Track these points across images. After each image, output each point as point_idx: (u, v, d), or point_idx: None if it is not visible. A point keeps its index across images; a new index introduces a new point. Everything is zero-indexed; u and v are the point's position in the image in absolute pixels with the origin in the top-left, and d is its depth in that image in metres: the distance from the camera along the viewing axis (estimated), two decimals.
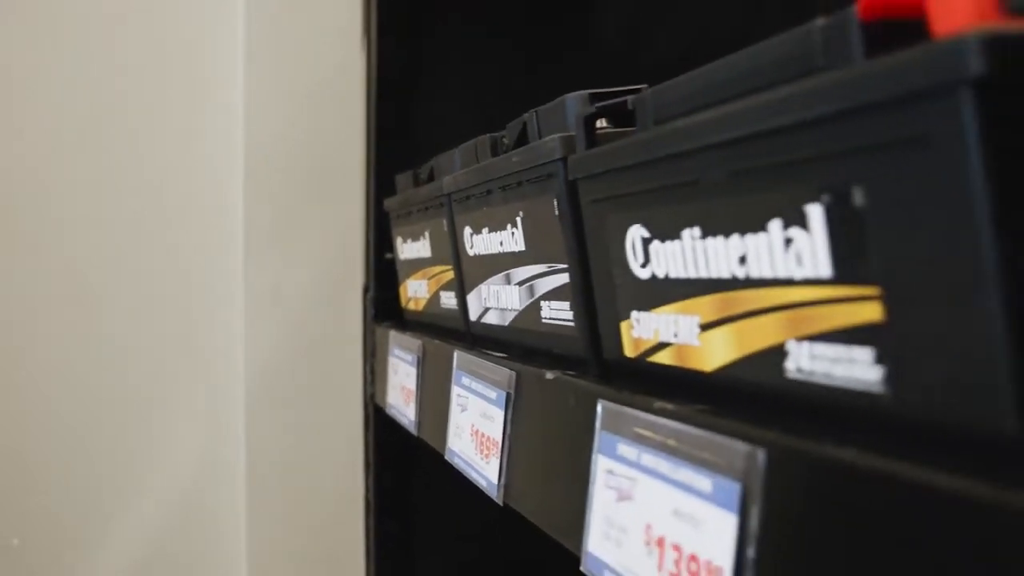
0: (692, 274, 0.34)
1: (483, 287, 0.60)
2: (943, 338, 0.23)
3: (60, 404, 1.05)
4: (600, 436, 0.39)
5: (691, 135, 0.32)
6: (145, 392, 1.06)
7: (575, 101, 0.45)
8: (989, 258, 0.22)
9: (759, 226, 0.30)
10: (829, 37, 0.27)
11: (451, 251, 0.66)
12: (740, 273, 0.31)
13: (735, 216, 0.31)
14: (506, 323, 0.56)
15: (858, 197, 0.26)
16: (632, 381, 0.41)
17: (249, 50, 1.06)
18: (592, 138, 0.43)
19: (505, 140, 0.55)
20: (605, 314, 0.43)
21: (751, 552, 0.28)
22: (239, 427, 1.07)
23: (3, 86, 1.05)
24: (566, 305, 0.47)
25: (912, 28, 0.25)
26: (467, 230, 0.61)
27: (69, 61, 1.05)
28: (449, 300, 0.69)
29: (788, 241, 0.29)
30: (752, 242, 0.30)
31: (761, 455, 0.28)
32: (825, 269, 0.27)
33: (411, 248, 0.79)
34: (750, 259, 0.31)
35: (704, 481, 0.31)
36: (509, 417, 0.51)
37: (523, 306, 0.53)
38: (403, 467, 0.94)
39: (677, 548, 0.32)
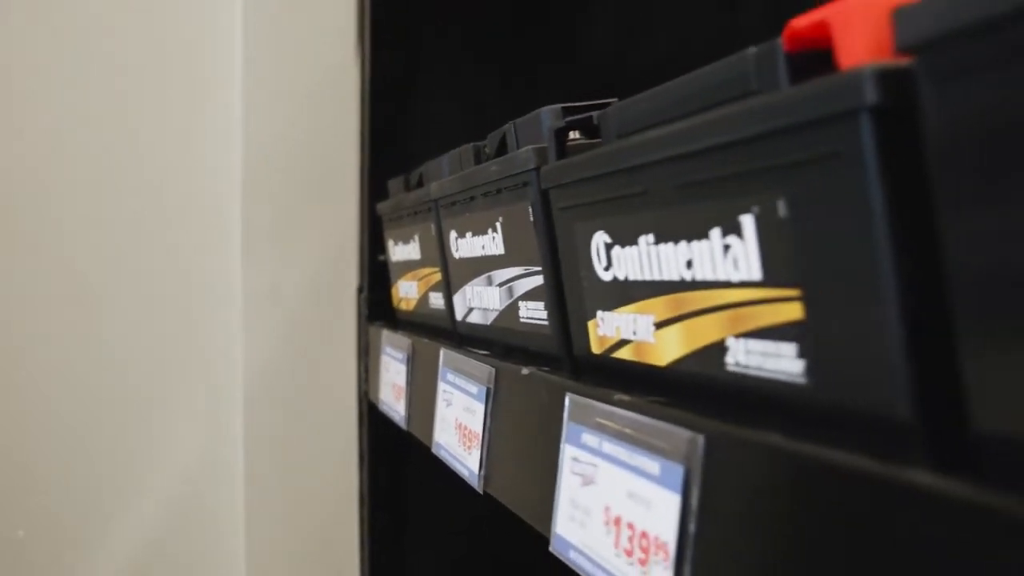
0: (647, 277, 0.37)
1: (467, 288, 0.63)
2: (851, 334, 0.27)
3: (58, 403, 1.06)
4: (568, 426, 0.42)
5: (643, 150, 0.35)
6: (144, 391, 1.08)
7: (548, 115, 0.48)
8: (885, 261, 0.25)
9: (702, 234, 0.33)
10: (760, 64, 0.30)
11: (438, 254, 0.69)
12: (687, 276, 0.34)
13: (682, 225, 0.34)
14: (488, 322, 0.60)
15: (782, 208, 0.29)
16: (598, 376, 0.44)
17: (247, 53, 1.07)
18: (563, 150, 0.46)
19: (487, 149, 0.59)
20: (575, 314, 0.46)
21: (692, 527, 0.31)
22: (237, 425, 1.09)
23: (3, 86, 1.06)
24: (541, 305, 0.50)
25: (830, 58, 0.28)
26: (452, 234, 0.64)
27: (67, 63, 1.06)
28: (437, 300, 0.72)
29: (726, 248, 0.32)
30: (697, 248, 0.33)
31: (701, 441, 0.31)
32: (756, 273, 0.30)
33: (402, 250, 0.82)
34: (695, 264, 0.34)
35: (654, 465, 0.34)
36: (489, 411, 0.54)
37: (503, 306, 0.56)
38: (396, 461, 0.97)
39: (631, 527, 0.35)
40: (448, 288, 0.68)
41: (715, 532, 0.31)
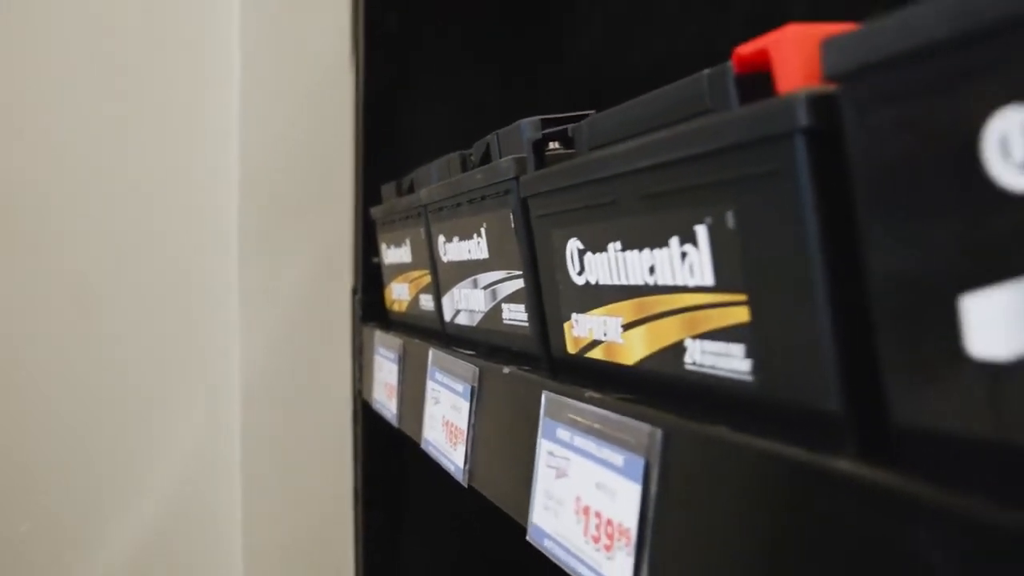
0: (616, 281, 0.40)
1: (455, 291, 0.66)
2: (790, 335, 0.29)
3: (58, 403, 1.07)
4: (544, 422, 0.45)
5: (609, 163, 0.38)
6: (143, 391, 1.09)
7: (528, 126, 0.51)
8: (816, 268, 0.27)
9: (663, 242, 0.35)
10: (713, 85, 0.33)
11: (428, 257, 0.71)
12: (651, 281, 0.37)
13: (646, 233, 0.37)
14: (474, 324, 0.62)
15: (731, 220, 0.31)
16: (574, 375, 0.46)
17: (245, 55, 1.09)
18: (542, 160, 0.48)
19: (472, 158, 0.61)
20: (552, 316, 0.48)
21: (651, 514, 0.34)
22: (235, 424, 1.11)
23: (2, 86, 1.06)
24: (522, 308, 0.53)
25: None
26: (441, 238, 0.67)
27: (67, 65, 1.07)
28: (427, 302, 0.75)
29: (684, 255, 0.34)
30: (658, 255, 0.36)
31: (659, 434, 0.34)
32: (709, 279, 0.33)
33: (394, 253, 0.85)
34: (657, 270, 0.36)
35: (618, 458, 0.36)
36: (473, 408, 0.56)
37: (487, 308, 0.59)
38: (389, 459, 1.00)
39: (599, 515, 0.38)
40: (437, 290, 0.70)
41: (671, 518, 0.33)
